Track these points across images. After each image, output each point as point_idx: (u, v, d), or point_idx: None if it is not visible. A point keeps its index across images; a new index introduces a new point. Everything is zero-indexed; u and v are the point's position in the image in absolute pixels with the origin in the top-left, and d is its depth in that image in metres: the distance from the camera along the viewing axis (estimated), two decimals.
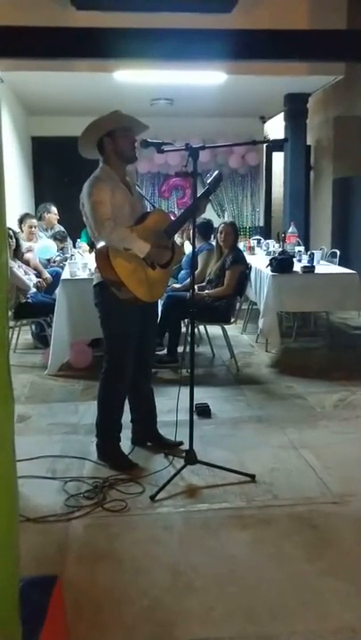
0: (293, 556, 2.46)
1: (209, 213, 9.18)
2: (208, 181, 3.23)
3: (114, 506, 2.84)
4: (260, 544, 2.54)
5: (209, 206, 9.76)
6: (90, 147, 3.15)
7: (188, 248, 5.89)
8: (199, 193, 3.14)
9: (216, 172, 3.26)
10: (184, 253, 5.76)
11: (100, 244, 3.06)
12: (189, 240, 5.87)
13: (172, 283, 5.81)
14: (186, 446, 3.18)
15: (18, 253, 5.43)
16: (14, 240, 5.30)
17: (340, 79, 7.28)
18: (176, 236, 3.96)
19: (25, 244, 5.94)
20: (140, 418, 3.50)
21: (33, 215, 7.14)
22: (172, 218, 3.44)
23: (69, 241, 7.03)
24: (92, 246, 3.26)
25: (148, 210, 3.35)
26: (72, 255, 6.19)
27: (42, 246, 6.46)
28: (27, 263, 5.67)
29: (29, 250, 6.04)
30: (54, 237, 6.98)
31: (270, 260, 5.37)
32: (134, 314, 3.17)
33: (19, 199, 8.19)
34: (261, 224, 10.28)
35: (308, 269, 5.36)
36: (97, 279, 3.18)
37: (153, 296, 3.21)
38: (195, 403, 3.26)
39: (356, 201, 8.24)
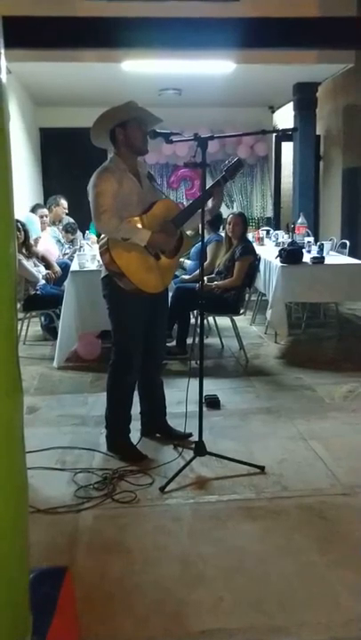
0: (303, 547, 2.45)
1: None
2: (225, 168, 3.17)
3: (123, 497, 2.84)
4: (269, 535, 2.54)
5: None
6: (102, 136, 3.14)
7: None
8: (209, 183, 3.11)
9: (235, 159, 3.20)
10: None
11: (103, 236, 3.08)
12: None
13: (181, 274, 5.79)
14: (195, 438, 3.18)
15: (27, 245, 5.42)
16: (22, 232, 5.29)
17: (350, 67, 7.21)
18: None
19: (34, 235, 5.94)
20: (150, 409, 3.50)
21: (43, 205, 7.14)
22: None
23: (79, 233, 7.02)
24: (99, 237, 3.27)
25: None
26: (81, 247, 6.19)
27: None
28: (36, 255, 5.66)
29: (37, 241, 6.04)
30: (65, 230, 6.97)
31: (280, 251, 5.34)
32: (142, 305, 3.16)
33: (27, 191, 8.19)
34: (270, 215, 10.23)
35: (318, 260, 5.32)
36: (104, 272, 3.18)
37: (157, 286, 3.18)
38: (204, 394, 3.25)
39: None
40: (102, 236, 3.10)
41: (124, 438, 3.31)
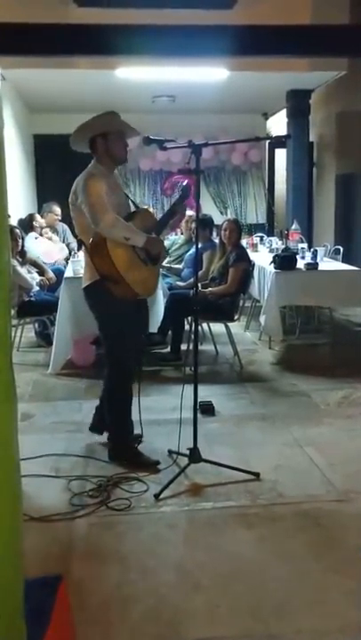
0: (299, 554, 2.45)
1: (211, 210, 9.16)
2: (178, 190, 3.34)
3: (118, 504, 2.83)
4: (265, 542, 2.53)
5: (211, 203, 9.73)
6: (82, 143, 3.17)
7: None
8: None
9: (183, 185, 3.35)
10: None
11: (92, 239, 3.03)
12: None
13: (175, 280, 5.80)
14: (190, 444, 3.16)
15: (21, 251, 5.44)
16: (21, 240, 5.34)
17: (343, 74, 7.25)
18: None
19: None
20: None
21: (37, 215, 7.15)
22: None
23: (71, 239, 7.03)
24: (80, 244, 3.21)
25: (133, 210, 3.34)
26: (74, 253, 6.18)
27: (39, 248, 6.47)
28: (29, 261, 5.67)
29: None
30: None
31: (273, 258, 5.35)
32: (131, 310, 3.17)
33: (21, 198, 8.18)
34: (264, 221, 10.25)
35: (312, 266, 5.34)
36: (88, 280, 3.16)
37: (150, 290, 3.24)
38: (199, 401, 3.24)
39: (360, 197, 8.20)
40: (91, 240, 3.05)
41: (133, 447, 3.29)
